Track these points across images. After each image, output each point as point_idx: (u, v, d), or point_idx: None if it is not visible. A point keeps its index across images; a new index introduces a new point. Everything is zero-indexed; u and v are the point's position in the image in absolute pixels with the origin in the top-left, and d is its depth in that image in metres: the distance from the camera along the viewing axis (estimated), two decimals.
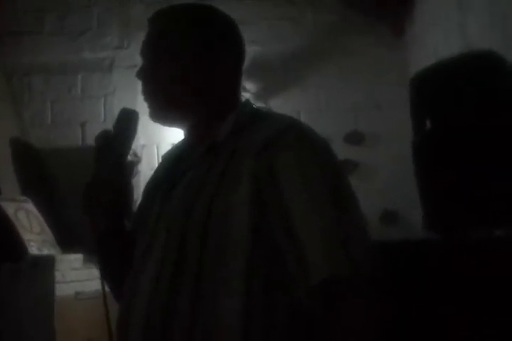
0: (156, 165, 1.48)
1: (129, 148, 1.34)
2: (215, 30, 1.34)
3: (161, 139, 4.03)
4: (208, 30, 1.33)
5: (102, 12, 4.50)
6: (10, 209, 3.39)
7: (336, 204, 1.15)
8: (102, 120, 4.32)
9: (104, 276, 1.38)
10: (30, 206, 3.58)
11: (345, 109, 4.13)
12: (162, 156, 1.48)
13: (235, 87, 1.38)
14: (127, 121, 1.34)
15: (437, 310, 1.54)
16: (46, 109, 4.44)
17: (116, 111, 1.37)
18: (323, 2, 4.24)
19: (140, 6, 4.39)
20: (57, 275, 3.10)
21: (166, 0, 4.49)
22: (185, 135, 1.39)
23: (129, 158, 1.34)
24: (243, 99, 1.39)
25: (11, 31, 4.45)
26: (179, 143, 1.44)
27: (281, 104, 4.04)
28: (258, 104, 3.97)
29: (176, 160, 1.39)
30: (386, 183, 3.92)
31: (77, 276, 3.18)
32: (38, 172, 4.13)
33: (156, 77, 1.31)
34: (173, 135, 3.82)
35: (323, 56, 4.20)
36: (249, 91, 4.08)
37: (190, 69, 1.30)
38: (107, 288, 1.36)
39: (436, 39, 3.28)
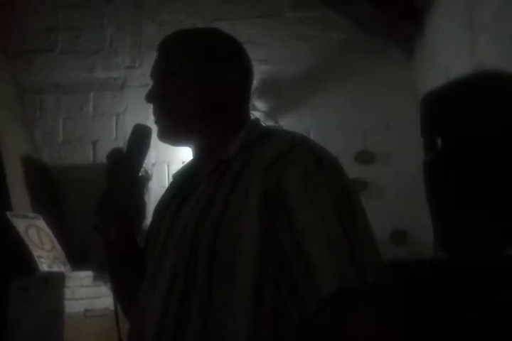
0: (166, 184, 1.50)
1: (142, 162, 1.36)
2: (219, 52, 1.38)
3: (172, 157, 4.05)
4: (211, 52, 1.37)
5: (114, 32, 4.55)
6: (21, 225, 3.41)
7: (343, 218, 1.15)
8: (114, 138, 4.34)
9: (115, 292, 1.39)
10: (41, 223, 3.59)
11: (355, 128, 4.13)
12: (172, 176, 1.50)
13: (243, 106, 1.40)
14: (141, 137, 1.36)
15: (446, 330, 1.53)
16: (58, 127, 4.46)
17: (127, 130, 1.39)
18: (333, 22, 4.27)
19: (152, 26, 4.44)
20: (67, 293, 3.10)
21: (178, 21, 4.55)
22: (193, 153, 1.41)
23: (142, 173, 1.36)
24: (253, 118, 1.42)
25: (23, 49, 4.49)
26: (189, 162, 1.46)
27: (291, 123, 4.04)
28: (268, 123, 3.99)
29: (185, 178, 1.41)
30: (396, 202, 3.91)
31: (86, 294, 3.18)
32: (49, 189, 4.15)
33: (163, 99, 1.35)
34: (184, 153, 3.83)
35: (333, 75, 4.21)
36: (259, 109, 4.10)
37: (196, 90, 1.34)
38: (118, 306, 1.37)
39: (446, 58, 3.29)
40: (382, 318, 1.11)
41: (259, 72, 4.08)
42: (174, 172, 1.52)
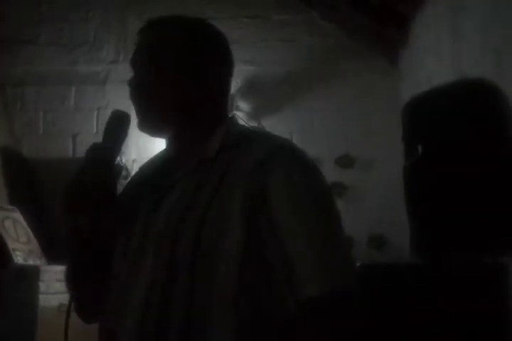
0: None
1: (119, 148, 1.31)
2: (209, 44, 1.35)
3: (152, 154, 4.02)
4: (201, 43, 1.34)
5: (99, 26, 4.52)
6: None
7: (324, 223, 1.18)
8: (94, 132, 4.32)
9: (75, 283, 1.34)
10: (18, 215, 3.56)
11: (337, 132, 4.15)
12: (140, 167, 1.48)
13: (223, 102, 1.38)
14: (118, 122, 1.32)
15: (419, 333, 1.55)
16: (38, 119, 4.43)
17: None
18: (319, 26, 4.29)
19: (137, 22, 4.41)
20: (42, 286, 3.08)
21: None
22: (168, 146, 1.39)
23: (117, 161, 1.32)
24: (231, 116, 1.40)
25: (7, 40, 4.45)
26: (159, 153, 1.43)
27: (273, 124, 4.05)
28: (251, 124, 3.99)
29: (158, 172, 1.37)
30: (375, 207, 3.94)
31: (61, 288, 3.15)
32: (27, 181, 4.11)
33: (147, 87, 1.31)
34: None
35: (317, 79, 4.23)
36: (242, 110, 4.10)
37: (182, 81, 1.31)
38: None
39: (429, 66, 3.32)
40: (353, 315, 1.14)
41: (244, 72, 4.08)
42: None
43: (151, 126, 1.33)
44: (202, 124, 1.33)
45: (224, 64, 1.37)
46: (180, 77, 1.31)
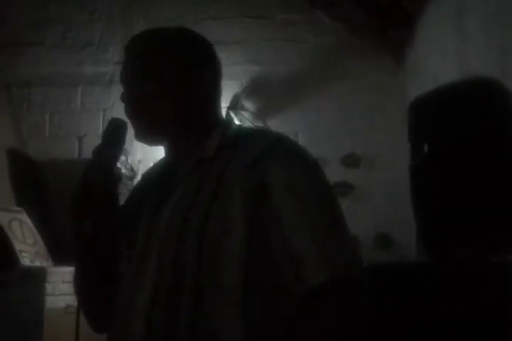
0: None
1: (118, 155, 1.35)
2: (193, 52, 1.38)
3: (158, 155, 4.02)
4: (185, 51, 1.37)
5: (104, 27, 4.53)
6: (4, 219, 3.39)
7: (328, 221, 1.18)
8: (100, 134, 4.32)
9: (83, 288, 1.34)
10: (25, 217, 3.57)
11: (343, 131, 4.14)
12: (142, 174, 1.50)
13: (216, 106, 1.41)
14: (116, 130, 1.35)
15: (426, 332, 1.55)
16: (45, 121, 4.44)
17: None
18: (325, 25, 4.28)
19: (143, 23, 4.43)
20: (48, 288, 3.10)
21: (169, 18, 4.53)
22: (167, 152, 1.41)
23: (118, 166, 1.34)
24: (229, 118, 1.42)
25: (12, 42, 4.47)
26: (159, 161, 1.46)
27: (279, 124, 4.05)
28: (256, 124, 3.99)
29: (159, 176, 1.39)
30: (381, 206, 3.93)
31: (68, 289, 3.17)
32: (33, 183, 4.12)
33: (140, 101, 1.34)
34: None
35: (323, 78, 4.22)
36: (247, 110, 4.10)
37: (173, 93, 1.33)
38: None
39: (435, 64, 3.32)
40: (360, 309, 1.13)
41: (248, 72, 4.08)
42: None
43: (147, 137, 1.37)
44: (198, 129, 1.35)
45: (211, 67, 1.39)
46: (171, 88, 1.34)
